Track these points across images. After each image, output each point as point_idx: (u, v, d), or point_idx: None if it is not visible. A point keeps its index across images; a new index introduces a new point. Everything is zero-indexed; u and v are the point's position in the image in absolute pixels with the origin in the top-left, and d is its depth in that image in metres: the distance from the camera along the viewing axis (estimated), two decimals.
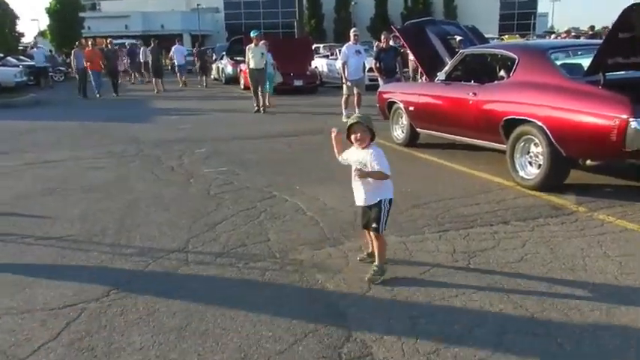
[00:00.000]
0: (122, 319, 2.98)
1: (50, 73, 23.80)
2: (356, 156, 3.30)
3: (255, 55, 12.09)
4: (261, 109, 12.36)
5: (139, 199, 5.41)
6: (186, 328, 2.87)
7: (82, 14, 45.46)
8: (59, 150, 8.37)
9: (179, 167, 6.91)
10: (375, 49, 14.41)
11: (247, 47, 12.33)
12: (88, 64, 16.90)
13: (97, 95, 17.17)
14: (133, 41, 27.74)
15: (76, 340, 2.77)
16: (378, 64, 10.72)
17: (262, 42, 12.54)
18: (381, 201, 3.30)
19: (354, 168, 3.31)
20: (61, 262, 3.83)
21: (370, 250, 3.61)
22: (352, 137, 3.26)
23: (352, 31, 11.14)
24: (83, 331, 2.86)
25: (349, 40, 10.98)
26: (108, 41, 18.42)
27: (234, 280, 3.44)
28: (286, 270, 3.59)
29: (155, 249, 4.01)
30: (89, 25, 45.96)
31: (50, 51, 30.44)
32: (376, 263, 3.40)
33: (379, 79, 10.69)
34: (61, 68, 26.97)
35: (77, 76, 17.66)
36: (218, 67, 23.20)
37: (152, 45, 19.23)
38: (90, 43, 18.31)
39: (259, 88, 12.34)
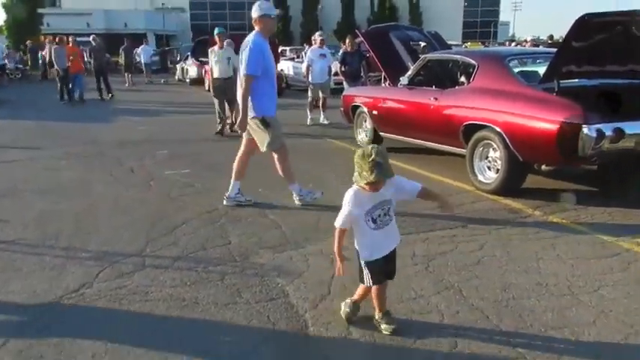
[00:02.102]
0: (75, 325, 2.89)
1: (7, 71, 22.99)
2: (373, 201, 2.65)
3: (220, 61, 9.30)
4: (226, 129, 9.48)
5: (96, 202, 5.27)
6: (142, 334, 2.80)
7: (40, 10, 44.08)
8: (15, 150, 8.08)
9: (139, 169, 6.77)
10: (340, 52, 14.53)
11: (210, 50, 9.61)
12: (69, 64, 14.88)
13: (75, 99, 15.19)
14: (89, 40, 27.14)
15: (24, 348, 2.67)
16: (343, 68, 10.78)
17: (227, 41, 10.00)
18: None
19: (369, 218, 2.67)
20: (11, 267, 3.69)
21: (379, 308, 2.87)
22: (375, 185, 2.55)
23: (317, 34, 11.17)
24: (33, 338, 2.75)
25: (314, 43, 11.01)
26: (71, 39, 16.32)
27: (192, 285, 3.38)
28: (246, 274, 3.56)
29: (111, 253, 3.91)
30: (48, 21, 44.64)
31: (7, 47, 29.34)
32: (382, 314, 2.86)
33: (344, 82, 10.75)
34: (18, 66, 26.07)
35: (57, 78, 15.17)
36: (183, 68, 22.91)
37: (125, 44, 20.90)
38: (71, 39, 16.01)
39: (226, 104, 9.31)
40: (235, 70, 8.87)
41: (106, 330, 2.84)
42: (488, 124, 5.32)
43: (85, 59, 20.67)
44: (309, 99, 10.85)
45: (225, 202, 5.06)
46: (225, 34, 9.67)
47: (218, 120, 9.54)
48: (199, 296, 3.22)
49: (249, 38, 4.80)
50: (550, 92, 4.94)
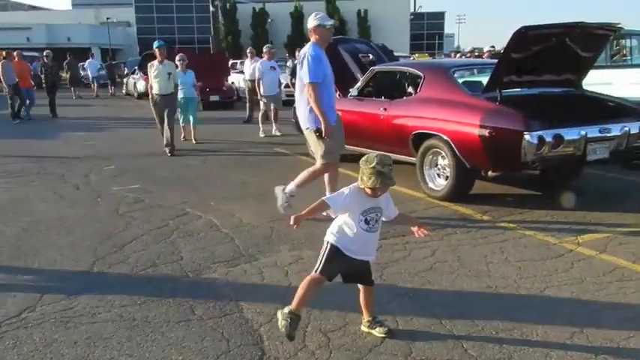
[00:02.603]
0: (15, 352, 2.73)
1: None
2: (370, 204, 2.69)
3: (159, 75, 8.68)
4: (170, 148, 8.74)
5: (38, 222, 5.03)
6: (88, 357, 2.68)
7: None
8: None
9: (85, 186, 6.53)
10: (289, 65, 14.68)
11: (150, 64, 8.95)
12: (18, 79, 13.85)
13: (26, 116, 14.29)
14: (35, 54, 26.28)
15: None
16: (294, 80, 10.84)
17: (178, 57, 9.90)
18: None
19: (363, 218, 2.69)
20: None
21: (368, 314, 2.93)
22: (374, 191, 2.63)
23: (266, 47, 11.20)
24: None
25: (264, 56, 11.03)
26: (15, 53, 14.91)
27: (142, 304, 3.27)
28: (199, 289, 3.47)
29: (55, 274, 3.74)
30: None
31: None
32: (373, 314, 2.93)
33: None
34: None
35: (8, 95, 14.03)
36: (130, 82, 22.43)
37: (69, 59, 21.14)
38: (16, 54, 14.78)
39: (166, 122, 8.74)
40: (177, 86, 9.05)
41: (50, 355, 2.70)
42: (436, 132, 5.45)
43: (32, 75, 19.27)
44: (261, 111, 10.83)
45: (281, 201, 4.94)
46: (165, 47, 8.94)
47: (164, 141, 8.79)
48: (150, 315, 3.12)
49: (306, 49, 4.76)
50: (493, 101, 5.12)
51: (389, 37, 40.95)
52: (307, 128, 4.85)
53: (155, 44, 8.88)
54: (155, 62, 8.80)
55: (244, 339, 2.84)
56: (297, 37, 50.17)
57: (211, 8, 57.45)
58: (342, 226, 2.74)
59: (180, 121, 10.00)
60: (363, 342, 2.80)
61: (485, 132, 4.94)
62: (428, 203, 5.45)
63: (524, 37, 4.90)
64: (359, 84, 7.01)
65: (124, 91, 23.38)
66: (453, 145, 5.23)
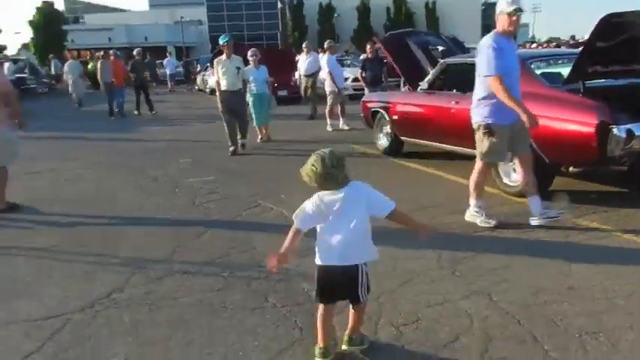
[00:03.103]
0: (107, 330, 2.93)
1: (33, 86, 23.49)
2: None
3: (227, 72, 8.26)
4: (239, 146, 8.47)
5: (123, 210, 5.35)
6: (171, 338, 2.83)
7: (65, 27, 45.22)
8: (41, 161, 8.25)
9: (163, 177, 6.86)
10: (361, 59, 14.64)
11: (216, 60, 8.57)
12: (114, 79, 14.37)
13: (118, 113, 14.75)
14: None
15: (60, 352, 2.72)
16: (363, 74, 10.86)
17: (251, 53, 9.23)
18: (362, 267, 2.52)
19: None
20: (45, 273, 3.76)
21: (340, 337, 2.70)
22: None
23: (326, 42, 11.28)
24: (67, 343, 2.80)
25: (327, 51, 11.10)
26: (111, 52, 15.25)
27: (219, 290, 3.40)
28: (272, 279, 3.56)
29: (140, 259, 3.97)
30: (72, 37, 45.75)
31: (30, 64, 29.89)
32: (350, 332, 2.68)
33: (365, 88, 10.79)
34: (44, 80, 26.67)
35: (106, 93, 14.59)
36: (203, 79, 23.23)
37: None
38: (112, 52, 15.30)
39: (237, 122, 8.45)
40: (245, 83, 8.72)
41: (137, 334, 2.88)
42: None
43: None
44: (329, 106, 10.89)
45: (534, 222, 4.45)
46: (233, 42, 8.51)
47: (229, 141, 8.37)
48: (227, 301, 3.24)
49: (487, 38, 4.35)
50: (575, 93, 4.87)
51: (459, 29, 39.84)
52: (475, 123, 4.50)
53: (221, 39, 8.47)
54: (222, 57, 8.43)
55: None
56: (364, 32, 49.97)
57: (279, 4, 58.33)
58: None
59: (254, 121, 9.40)
60: (437, 338, 2.77)
61: (567, 125, 4.71)
62: (503, 199, 5.28)
63: (610, 24, 4.61)
64: (429, 77, 6.88)
65: (196, 87, 24.29)
66: (530, 140, 5.02)
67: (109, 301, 3.28)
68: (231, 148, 8.33)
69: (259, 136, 9.54)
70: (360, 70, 11.14)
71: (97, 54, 15.84)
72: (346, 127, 10.65)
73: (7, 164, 5.44)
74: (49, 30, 40.90)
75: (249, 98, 9.17)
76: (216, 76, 8.48)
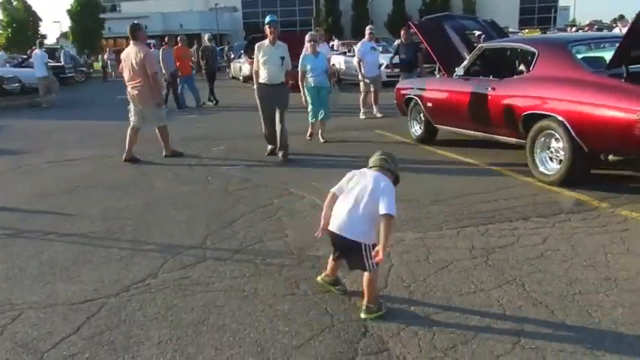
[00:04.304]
0: (141, 314, 3.02)
1: (72, 74, 24.13)
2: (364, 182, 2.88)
3: (269, 60, 6.80)
4: (280, 157, 6.95)
5: (158, 197, 5.47)
6: (204, 322, 2.89)
7: (102, 15, 46.06)
8: (81, 148, 8.51)
9: (197, 165, 6.97)
10: (395, 44, 14.42)
11: (257, 45, 6.94)
12: (179, 65, 13.27)
13: (200, 104, 13.93)
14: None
15: (96, 334, 2.82)
16: (397, 60, 10.74)
17: (309, 37, 8.11)
18: (365, 245, 2.81)
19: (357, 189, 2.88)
20: (82, 259, 3.89)
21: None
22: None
23: (367, 28, 11.11)
24: (103, 325, 2.90)
25: (365, 37, 10.96)
26: (179, 38, 13.91)
27: (251, 276, 3.45)
28: (303, 266, 3.59)
29: (173, 246, 4.05)
30: (109, 26, 46.66)
31: (68, 52, 30.67)
32: (366, 301, 2.90)
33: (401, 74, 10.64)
34: (82, 69, 27.39)
35: (166, 84, 12.83)
36: (236, 66, 23.35)
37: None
38: (179, 39, 13.87)
39: (278, 120, 6.97)
40: (288, 74, 7.10)
41: (171, 318, 2.95)
42: (550, 113, 5.11)
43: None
44: (362, 93, 10.80)
45: None
46: (277, 23, 6.92)
47: (267, 141, 7.29)
48: (258, 287, 3.29)
49: None
50: (618, 78, 4.69)
51: (496, 12, 38.86)
52: None
53: (267, 19, 6.97)
54: (265, 42, 6.85)
55: (348, 315, 2.91)
56: (398, 17, 49.20)
57: None
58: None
59: (310, 116, 8.24)
60: (468, 326, 2.74)
61: (609, 112, 4.55)
62: (538, 188, 5.16)
63: None
64: (465, 63, 6.75)
65: (230, 75, 24.42)
66: (569, 127, 4.88)
67: (144, 286, 3.37)
68: (269, 147, 7.27)
69: (309, 132, 8.42)
70: (393, 56, 10.99)
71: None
72: (379, 115, 10.56)
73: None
74: (86, 19, 41.78)
75: (305, 93, 8.02)
76: (255, 65, 6.97)
